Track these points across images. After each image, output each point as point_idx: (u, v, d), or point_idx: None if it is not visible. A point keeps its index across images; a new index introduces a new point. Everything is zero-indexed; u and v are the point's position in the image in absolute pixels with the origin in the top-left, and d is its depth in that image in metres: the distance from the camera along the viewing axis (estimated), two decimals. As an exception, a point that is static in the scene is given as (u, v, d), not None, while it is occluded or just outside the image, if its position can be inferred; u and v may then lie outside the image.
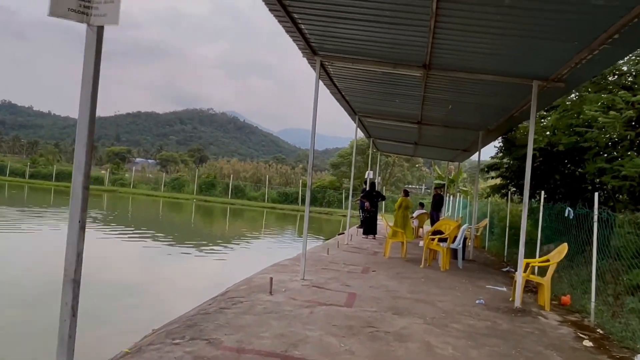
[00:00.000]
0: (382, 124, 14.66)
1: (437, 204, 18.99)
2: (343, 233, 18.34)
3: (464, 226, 11.56)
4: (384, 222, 13.16)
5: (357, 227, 19.52)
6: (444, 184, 40.23)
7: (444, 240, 10.96)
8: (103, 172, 52.53)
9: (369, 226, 16.58)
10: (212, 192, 43.71)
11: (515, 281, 7.69)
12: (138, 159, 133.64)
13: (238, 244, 17.76)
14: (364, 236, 16.60)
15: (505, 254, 13.61)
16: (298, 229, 27.37)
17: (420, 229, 18.86)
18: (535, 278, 7.62)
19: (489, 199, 24.84)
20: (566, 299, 7.88)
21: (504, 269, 11.61)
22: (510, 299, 7.83)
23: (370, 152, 20.74)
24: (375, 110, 12.74)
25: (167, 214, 29.61)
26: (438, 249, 10.79)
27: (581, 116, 9.69)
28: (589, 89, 10.60)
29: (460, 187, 39.67)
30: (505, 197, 14.41)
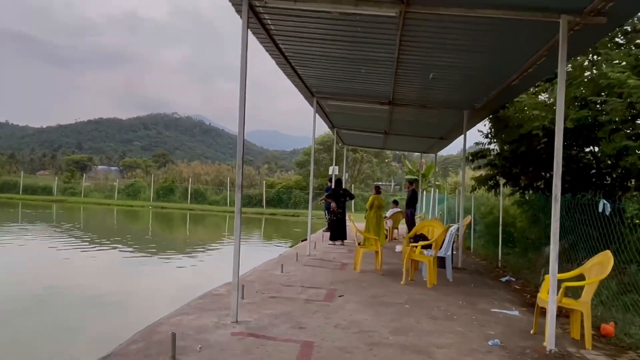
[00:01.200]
0: (346, 107, 12.31)
1: (412, 200, 16.76)
2: (306, 239, 15.99)
3: (453, 228, 9.25)
4: (352, 226, 10.79)
5: (324, 231, 17.10)
6: (417, 179, 38.47)
7: (428, 247, 8.66)
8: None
9: (336, 230, 14.24)
10: (170, 198, 40.72)
11: (539, 307, 5.43)
12: (100, 167, 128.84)
13: (178, 259, 15.04)
14: (330, 242, 14.24)
15: (500, 258, 11.39)
16: (263, 233, 24.85)
17: (395, 230, 16.58)
18: (570, 303, 5.33)
19: (474, 192, 22.90)
20: (609, 328, 5.64)
21: (503, 279, 9.38)
22: (532, 331, 5.56)
23: (334, 146, 18.37)
24: (336, 88, 10.33)
25: (104, 224, 26.64)
26: (423, 259, 8.48)
27: (601, 81, 7.49)
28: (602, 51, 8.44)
29: (432, 182, 37.85)
30: (493, 190, 12.20)
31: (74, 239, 18.09)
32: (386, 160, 41.74)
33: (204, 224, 29.03)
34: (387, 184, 53.56)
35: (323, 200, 20.03)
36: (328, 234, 15.09)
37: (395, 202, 16.93)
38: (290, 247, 15.92)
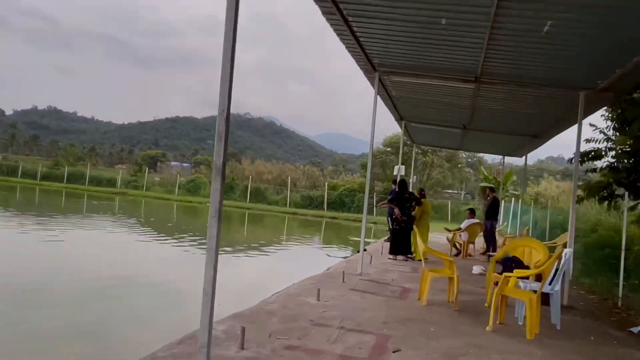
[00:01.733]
0: (417, 88, 9.93)
1: (492, 210, 13.96)
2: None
3: (567, 252, 6.47)
4: (419, 243, 8.16)
5: (385, 241, 14.59)
6: (492, 187, 34.93)
7: (525, 276, 6.06)
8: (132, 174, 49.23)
9: (398, 243, 11.76)
10: (229, 196, 39.42)
11: None
12: (173, 163, 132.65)
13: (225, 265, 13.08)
14: (391, 257, 11.74)
15: (620, 295, 8.47)
16: (319, 238, 22.70)
17: (471, 245, 13.80)
18: None
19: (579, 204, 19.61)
20: None
21: (635, 329, 6.56)
22: None
23: (401, 142, 15.84)
24: (405, 59, 8.06)
25: (163, 218, 25.35)
26: (520, 296, 5.87)
27: None
28: None
29: (511, 191, 34.19)
30: (607, 202, 9.24)
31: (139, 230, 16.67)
32: (459, 166, 38.36)
33: (262, 225, 27.25)
34: (458, 192, 49.88)
35: (384, 206, 17.55)
36: (388, 245, 12.64)
37: (472, 212, 14.10)
38: (345, 258, 13.57)
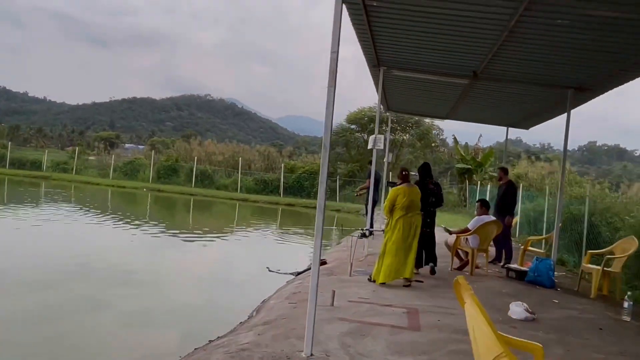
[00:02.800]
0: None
1: (509, 200, 9.77)
2: (325, 262, 9.15)
3: None
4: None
5: (359, 237, 9.89)
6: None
7: None
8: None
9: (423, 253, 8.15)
10: (172, 180, 34.43)
11: None
12: (128, 145, 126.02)
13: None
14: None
15: None
16: (271, 233, 18.21)
17: (481, 255, 9.32)
18: None
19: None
20: None
21: None
22: None
23: (378, 112, 11.44)
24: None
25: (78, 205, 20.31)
26: None
27: None
28: None
29: (490, 172, 30.42)
30: None
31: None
32: (432, 145, 34.26)
33: (202, 215, 22.50)
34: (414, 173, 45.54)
35: (360, 193, 13.22)
36: (366, 243, 8.38)
37: (484, 205, 9.64)
38: (295, 275, 9.15)
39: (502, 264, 9.77)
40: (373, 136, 10.08)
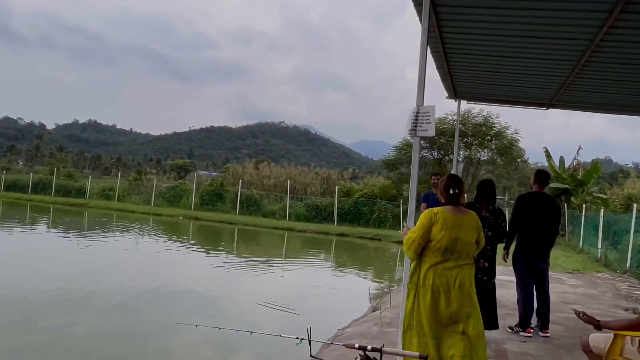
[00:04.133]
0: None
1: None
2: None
3: None
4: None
5: None
6: (567, 188, 24.89)
7: None
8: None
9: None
10: (217, 206, 30.86)
11: None
12: (202, 172, 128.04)
13: None
14: None
15: None
16: (312, 274, 13.78)
17: None
18: None
19: None
20: None
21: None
22: None
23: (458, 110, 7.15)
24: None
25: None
26: None
27: None
28: None
29: (596, 194, 24.18)
30: None
31: None
32: (518, 160, 28.35)
33: (226, 244, 18.35)
34: (501, 197, 39.30)
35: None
36: None
37: None
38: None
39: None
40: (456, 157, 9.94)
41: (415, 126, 4.28)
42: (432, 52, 7.10)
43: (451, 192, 3.78)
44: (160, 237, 20.32)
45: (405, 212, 27.26)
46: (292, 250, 19.59)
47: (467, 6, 5.35)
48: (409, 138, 4.92)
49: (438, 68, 7.82)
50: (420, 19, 4.48)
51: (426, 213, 3.76)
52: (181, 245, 18.17)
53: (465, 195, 4.21)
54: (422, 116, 4.26)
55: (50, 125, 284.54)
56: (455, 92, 9.20)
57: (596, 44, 5.63)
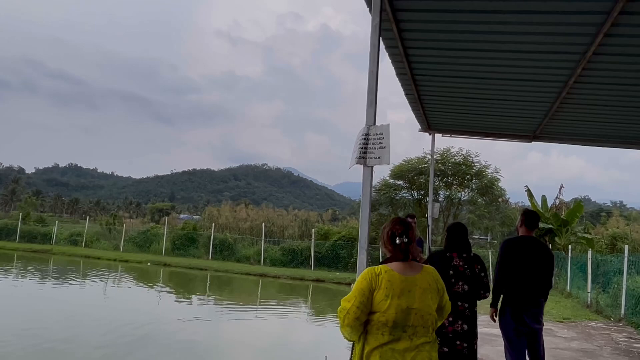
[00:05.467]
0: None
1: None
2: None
3: None
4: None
5: None
6: (551, 228, 24.04)
7: None
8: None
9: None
10: (189, 251, 29.40)
11: None
12: (182, 215, 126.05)
13: None
14: None
15: None
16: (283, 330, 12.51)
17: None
18: None
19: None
20: None
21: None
22: None
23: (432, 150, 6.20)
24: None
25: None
26: None
27: None
28: None
29: (580, 234, 23.37)
30: None
31: None
32: (499, 200, 27.56)
33: (188, 291, 16.93)
34: (480, 236, 38.27)
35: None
36: None
37: None
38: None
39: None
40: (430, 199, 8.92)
41: (365, 152, 3.24)
42: (398, 75, 6.23)
43: (397, 241, 2.74)
44: (115, 286, 18.83)
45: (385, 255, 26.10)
46: (253, 299, 18.26)
47: (433, 24, 4.58)
48: (360, 166, 3.83)
49: (407, 94, 6.93)
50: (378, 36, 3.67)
51: (365, 273, 2.70)
52: (130, 296, 16.73)
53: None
54: (374, 139, 3.25)
55: (29, 170, 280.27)
56: (428, 124, 8.37)
57: (578, 74, 5.23)
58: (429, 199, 9.50)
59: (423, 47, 5.23)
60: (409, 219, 7.20)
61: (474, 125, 8.29)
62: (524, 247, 5.02)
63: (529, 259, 4.95)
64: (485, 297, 4.59)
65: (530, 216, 5.16)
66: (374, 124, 3.26)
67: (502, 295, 5.07)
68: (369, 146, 3.22)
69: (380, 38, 5.00)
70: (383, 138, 3.18)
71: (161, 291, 18.45)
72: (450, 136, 8.72)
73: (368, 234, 3.54)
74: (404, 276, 2.66)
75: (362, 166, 3.34)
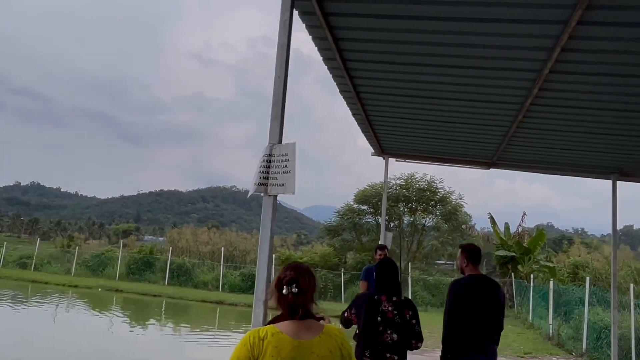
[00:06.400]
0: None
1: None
2: None
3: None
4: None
5: None
6: (514, 256, 23.80)
7: None
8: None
9: None
10: (145, 276, 28.14)
11: None
12: (147, 237, 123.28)
13: None
14: None
15: None
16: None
17: None
18: None
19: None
20: None
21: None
22: None
23: (385, 172, 6.16)
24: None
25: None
26: None
27: None
28: None
29: (543, 262, 23.18)
30: None
31: None
32: (463, 226, 27.31)
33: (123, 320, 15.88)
34: (449, 262, 37.89)
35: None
36: None
37: None
38: None
39: None
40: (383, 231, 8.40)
41: (267, 177, 2.63)
42: (342, 92, 5.69)
43: (285, 291, 2.13)
44: (56, 314, 17.63)
45: (348, 282, 25.43)
46: (199, 328, 17.31)
47: (371, 32, 4.07)
48: (261, 194, 3.14)
49: (354, 114, 6.39)
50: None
51: (245, 338, 2.07)
52: (64, 326, 15.60)
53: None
54: (278, 161, 2.63)
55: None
56: (381, 148, 7.85)
57: (535, 95, 4.84)
58: (382, 227, 8.90)
59: (364, 60, 4.70)
60: (379, 250, 6.59)
61: (428, 150, 7.82)
62: (475, 288, 4.44)
63: (479, 301, 4.38)
64: (418, 347, 4.07)
65: (472, 252, 4.59)
66: (279, 142, 2.66)
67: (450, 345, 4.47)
68: (272, 170, 2.63)
69: (318, 48, 4.47)
70: (288, 160, 2.59)
71: (94, 319, 17.31)
72: (405, 161, 8.24)
73: (268, 280, 2.89)
74: (296, 340, 2.04)
75: (270, 195, 2.72)
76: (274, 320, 2.20)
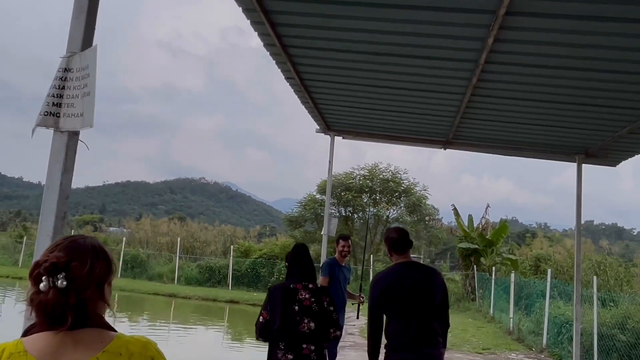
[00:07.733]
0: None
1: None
2: None
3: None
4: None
5: None
6: (477, 248, 23.43)
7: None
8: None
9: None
10: (97, 267, 26.76)
11: None
12: (112, 228, 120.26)
13: None
14: None
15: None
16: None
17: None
18: None
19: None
20: None
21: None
22: None
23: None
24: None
25: None
26: None
27: None
28: None
29: (505, 255, 22.88)
30: None
31: None
32: (426, 219, 26.78)
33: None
34: (414, 256, 37.50)
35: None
36: None
37: None
38: None
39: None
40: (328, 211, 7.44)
41: (60, 104, 1.76)
42: (272, 54, 4.84)
43: (42, 286, 1.28)
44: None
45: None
46: (141, 323, 16.36)
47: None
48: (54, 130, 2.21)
49: (287, 79, 5.54)
50: None
51: None
52: None
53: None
54: (77, 79, 1.75)
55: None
56: (326, 123, 7.04)
57: (481, 69, 4.43)
58: (325, 213, 8.10)
59: (290, 13, 3.90)
60: (342, 241, 5.83)
61: (378, 127, 7.02)
62: (404, 279, 3.65)
63: (413, 292, 3.59)
64: (336, 337, 3.83)
65: (393, 240, 3.77)
66: (81, 49, 1.78)
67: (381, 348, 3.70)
68: (66, 92, 1.76)
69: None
70: (88, 76, 1.73)
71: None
72: (353, 138, 7.45)
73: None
74: None
75: (62, 132, 1.83)
76: (28, 331, 1.36)
